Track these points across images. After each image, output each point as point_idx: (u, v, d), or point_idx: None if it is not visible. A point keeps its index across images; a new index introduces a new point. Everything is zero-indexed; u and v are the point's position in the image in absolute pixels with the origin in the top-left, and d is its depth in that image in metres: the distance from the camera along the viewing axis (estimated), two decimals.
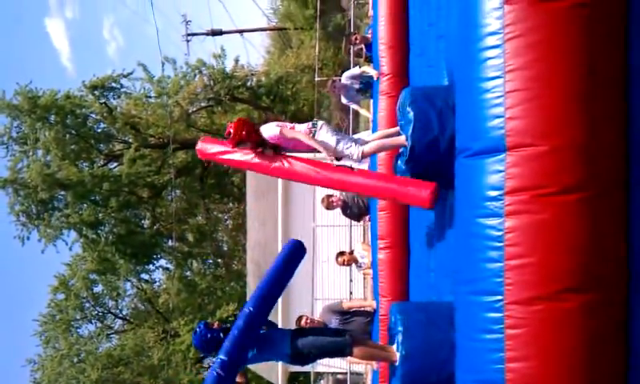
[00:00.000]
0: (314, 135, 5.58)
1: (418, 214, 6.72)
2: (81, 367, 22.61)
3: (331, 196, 9.43)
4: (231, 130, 5.57)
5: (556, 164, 3.11)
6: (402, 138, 5.37)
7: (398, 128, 5.60)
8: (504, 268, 3.21)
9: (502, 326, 3.20)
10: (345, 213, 9.83)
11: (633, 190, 3.22)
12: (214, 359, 5.20)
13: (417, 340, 4.98)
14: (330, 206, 9.43)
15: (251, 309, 5.23)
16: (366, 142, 5.78)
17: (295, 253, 5.88)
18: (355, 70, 9.51)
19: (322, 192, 15.39)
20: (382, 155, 6.91)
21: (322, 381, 28.97)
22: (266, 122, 5.83)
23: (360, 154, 5.63)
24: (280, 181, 15.16)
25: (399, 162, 5.46)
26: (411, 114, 5.08)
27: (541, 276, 3.13)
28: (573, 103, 3.11)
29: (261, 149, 5.66)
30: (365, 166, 10.46)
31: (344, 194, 9.38)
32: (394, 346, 5.22)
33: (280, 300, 15.33)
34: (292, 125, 5.72)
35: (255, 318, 5.24)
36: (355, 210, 9.52)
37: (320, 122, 5.67)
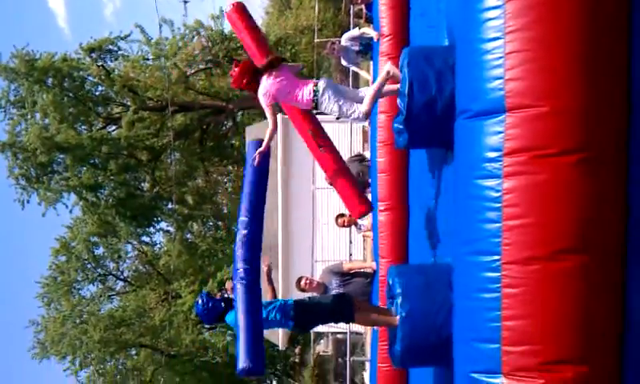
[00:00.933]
0: (316, 104, 5.51)
1: (417, 175, 6.74)
2: (83, 328, 22.89)
3: None
4: (233, 74, 5.57)
5: (555, 125, 3.12)
6: (394, 86, 5.37)
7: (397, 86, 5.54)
8: (502, 228, 3.24)
9: (499, 285, 3.24)
10: None
11: (632, 152, 3.23)
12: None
13: (415, 302, 5.04)
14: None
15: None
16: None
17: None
18: (355, 32, 9.40)
19: None
20: (382, 118, 6.90)
21: (322, 340, 29.36)
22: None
23: (363, 114, 5.57)
24: (280, 143, 15.14)
25: (395, 123, 5.45)
26: (408, 74, 5.06)
27: (538, 236, 3.16)
28: (573, 64, 3.10)
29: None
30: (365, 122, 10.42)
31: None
32: (394, 309, 5.29)
33: (280, 262, 15.48)
34: (295, 87, 5.58)
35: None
36: (360, 184, 9.49)
37: (321, 86, 5.50)
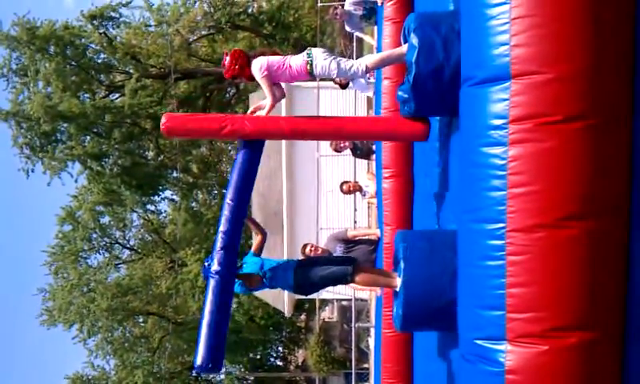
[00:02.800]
0: (311, 69, 5.45)
1: (422, 143, 6.71)
2: (91, 296, 23.12)
3: None
4: (225, 63, 5.50)
5: (561, 92, 3.08)
6: (404, 48, 5.32)
7: (404, 49, 5.48)
8: (507, 196, 3.23)
9: (503, 253, 3.24)
10: (354, 154, 9.82)
11: (637, 118, 3.20)
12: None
13: (418, 267, 5.06)
14: (338, 148, 9.38)
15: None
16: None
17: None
18: None
19: None
20: (386, 84, 6.84)
21: (327, 307, 29.60)
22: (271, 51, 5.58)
23: (364, 68, 5.51)
24: (283, 110, 15.08)
25: (400, 91, 5.40)
26: (415, 40, 5.01)
27: (543, 204, 3.15)
28: (580, 30, 3.05)
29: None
30: (370, 91, 10.34)
31: None
32: (397, 273, 5.32)
33: (285, 229, 15.54)
34: (286, 58, 5.52)
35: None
36: (365, 150, 9.51)
37: (314, 52, 5.49)
